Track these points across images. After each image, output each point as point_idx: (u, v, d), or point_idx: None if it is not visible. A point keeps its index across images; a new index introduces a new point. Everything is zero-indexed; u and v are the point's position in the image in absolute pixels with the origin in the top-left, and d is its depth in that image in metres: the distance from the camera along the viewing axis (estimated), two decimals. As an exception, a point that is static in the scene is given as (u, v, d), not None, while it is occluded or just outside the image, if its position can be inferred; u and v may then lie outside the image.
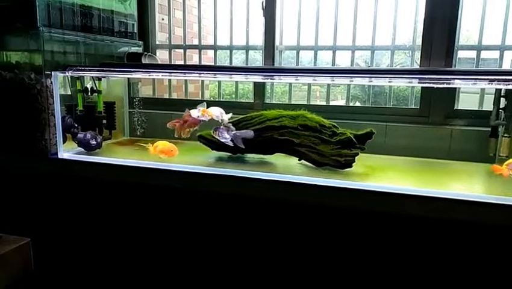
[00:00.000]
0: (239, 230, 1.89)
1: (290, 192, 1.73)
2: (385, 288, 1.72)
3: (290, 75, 1.99)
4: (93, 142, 2.16)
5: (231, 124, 2.00)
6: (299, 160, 1.98)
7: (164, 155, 1.99)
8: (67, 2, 2.14)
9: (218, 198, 1.87)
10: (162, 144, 2.02)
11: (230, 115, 2.03)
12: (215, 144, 2.10)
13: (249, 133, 1.97)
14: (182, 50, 2.89)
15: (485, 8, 2.19)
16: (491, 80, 1.58)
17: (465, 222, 1.54)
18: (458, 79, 1.65)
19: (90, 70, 2.13)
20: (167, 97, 2.92)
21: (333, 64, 2.52)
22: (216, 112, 1.98)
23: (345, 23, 2.45)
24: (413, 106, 2.37)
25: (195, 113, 1.96)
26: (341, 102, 2.81)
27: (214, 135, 1.99)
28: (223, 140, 1.95)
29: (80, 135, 2.15)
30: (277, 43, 2.56)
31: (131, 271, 2.10)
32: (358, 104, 2.95)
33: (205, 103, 2.02)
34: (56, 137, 2.07)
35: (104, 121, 2.31)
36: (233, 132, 1.95)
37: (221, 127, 1.97)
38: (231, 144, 1.95)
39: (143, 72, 2.20)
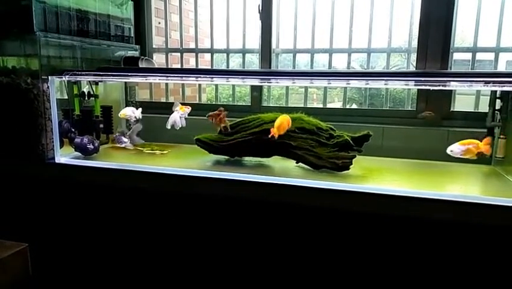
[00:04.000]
0: (237, 232, 1.88)
1: (288, 195, 1.73)
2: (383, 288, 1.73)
3: (286, 78, 1.99)
4: (90, 146, 2.15)
5: (127, 130, 2.26)
6: (297, 163, 1.98)
7: (284, 129, 1.86)
8: (63, 7, 2.13)
9: (215, 201, 1.87)
10: (281, 120, 1.84)
11: (140, 110, 2.25)
12: (212, 147, 2.11)
13: (138, 127, 2.25)
14: (178, 54, 2.90)
15: (480, 10, 2.21)
16: (487, 82, 1.59)
17: (462, 223, 1.55)
18: (454, 81, 1.66)
19: (86, 75, 2.12)
20: (164, 100, 2.92)
21: (329, 66, 2.53)
22: (128, 112, 2.22)
23: (341, 26, 2.46)
24: (410, 108, 2.38)
25: (128, 112, 2.22)
26: (338, 105, 2.82)
27: (117, 145, 2.23)
28: (123, 145, 2.23)
29: (77, 140, 2.15)
30: (273, 46, 2.57)
31: (129, 275, 2.09)
32: (354, 106, 2.96)
33: (178, 102, 2.17)
34: (53, 142, 2.06)
35: (101, 126, 2.31)
36: (127, 133, 2.22)
37: (117, 134, 2.24)
38: (131, 146, 2.23)
39: (140, 76, 2.20)
